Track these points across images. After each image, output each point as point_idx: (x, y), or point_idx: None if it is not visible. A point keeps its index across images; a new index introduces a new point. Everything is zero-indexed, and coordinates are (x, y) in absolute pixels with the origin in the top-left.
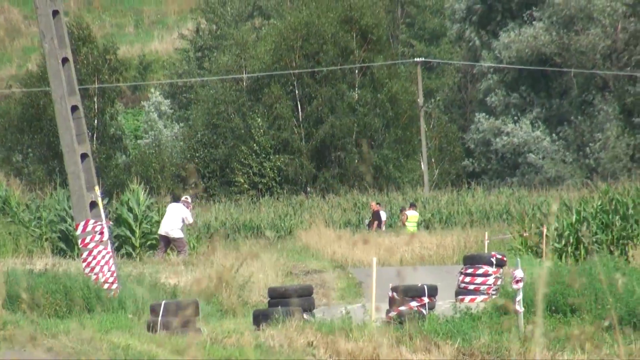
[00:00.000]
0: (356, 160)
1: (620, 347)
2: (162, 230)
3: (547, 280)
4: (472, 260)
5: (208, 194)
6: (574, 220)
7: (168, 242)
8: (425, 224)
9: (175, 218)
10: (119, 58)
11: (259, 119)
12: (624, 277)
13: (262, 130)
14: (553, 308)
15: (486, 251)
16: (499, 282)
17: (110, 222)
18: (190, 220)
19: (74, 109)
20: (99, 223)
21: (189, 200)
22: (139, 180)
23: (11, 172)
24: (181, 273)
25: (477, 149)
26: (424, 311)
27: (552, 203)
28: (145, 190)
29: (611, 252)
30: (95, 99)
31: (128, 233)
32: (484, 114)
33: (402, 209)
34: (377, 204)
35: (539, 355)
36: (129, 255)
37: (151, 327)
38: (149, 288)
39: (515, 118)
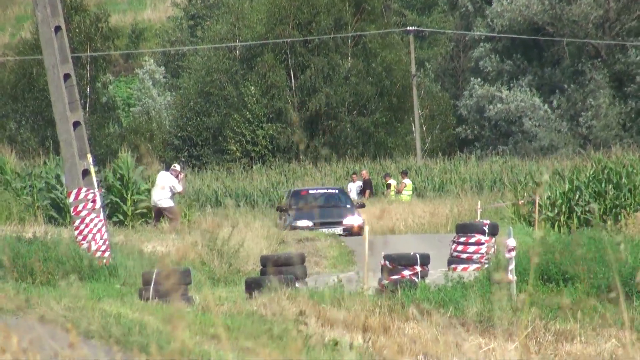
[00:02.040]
0: (348, 129)
1: (624, 315)
2: (152, 200)
3: (540, 250)
4: (464, 229)
5: (201, 162)
6: (566, 189)
7: (159, 211)
8: (418, 193)
9: (163, 187)
10: (111, 26)
11: (252, 88)
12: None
13: (255, 99)
14: (545, 277)
15: (479, 219)
16: (491, 251)
17: (103, 190)
18: (179, 189)
19: (67, 77)
20: (92, 191)
21: (178, 168)
22: (131, 149)
23: (5, 140)
24: (173, 241)
25: (470, 115)
26: (416, 280)
27: (544, 172)
28: (134, 158)
29: (604, 222)
30: (88, 67)
31: (119, 201)
32: (478, 79)
33: (387, 175)
34: (354, 174)
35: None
36: (120, 223)
37: (143, 295)
38: (141, 256)
39: (511, 84)
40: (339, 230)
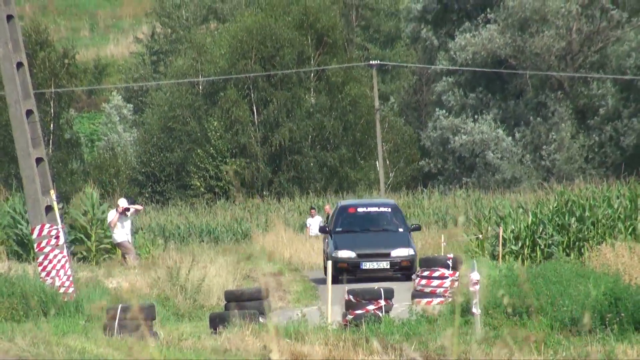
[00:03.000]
0: (312, 164)
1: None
2: None
3: (504, 283)
4: (428, 263)
5: (164, 197)
6: (530, 222)
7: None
8: None
9: (110, 224)
10: (77, 63)
11: (215, 123)
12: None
13: (218, 134)
14: (510, 310)
15: (443, 253)
16: (455, 285)
17: (65, 226)
18: (109, 219)
19: (29, 113)
20: (55, 227)
21: (121, 204)
22: (95, 185)
23: None
24: (137, 276)
25: (434, 147)
26: (380, 314)
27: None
28: (100, 194)
29: (567, 255)
30: (52, 104)
31: (83, 237)
32: (443, 111)
33: (311, 209)
34: (312, 209)
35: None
36: (84, 259)
37: (107, 331)
38: (105, 292)
39: (475, 117)
40: (385, 264)
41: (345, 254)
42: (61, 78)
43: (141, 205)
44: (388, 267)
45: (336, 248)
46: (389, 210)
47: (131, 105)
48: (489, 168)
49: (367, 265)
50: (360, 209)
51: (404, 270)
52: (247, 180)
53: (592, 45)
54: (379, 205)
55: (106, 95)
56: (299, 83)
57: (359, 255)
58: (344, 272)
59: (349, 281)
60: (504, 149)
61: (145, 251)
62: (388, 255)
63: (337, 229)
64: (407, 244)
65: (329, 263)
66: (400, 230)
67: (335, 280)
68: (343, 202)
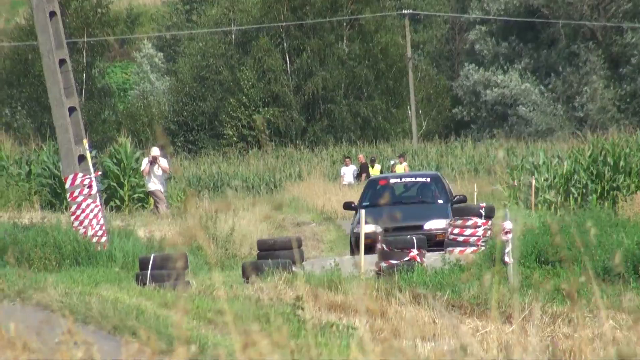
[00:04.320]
0: (345, 113)
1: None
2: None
3: (537, 232)
4: (460, 212)
5: (197, 146)
6: (564, 171)
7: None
8: None
9: (144, 172)
10: (110, 13)
11: (248, 72)
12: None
13: (251, 83)
14: (542, 259)
15: (475, 202)
16: (488, 234)
17: (99, 173)
18: (142, 167)
19: (62, 62)
20: (88, 176)
21: (153, 152)
22: (128, 134)
23: (1, 126)
24: (170, 226)
25: (466, 97)
26: (413, 263)
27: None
28: (132, 144)
29: (601, 204)
30: (84, 53)
31: (116, 186)
32: (473, 65)
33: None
34: (347, 157)
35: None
36: (117, 208)
37: (140, 280)
38: (138, 241)
39: (505, 68)
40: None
41: (368, 228)
42: (94, 27)
43: (167, 166)
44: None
45: (359, 222)
46: (428, 180)
47: (162, 54)
48: (522, 119)
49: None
50: (393, 181)
51: (440, 246)
52: (280, 129)
53: None
54: (416, 176)
55: (138, 44)
56: (332, 31)
57: (386, 230)
58: (368, 249)
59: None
60: (535, 102)
61: (177, 200)
62: (420, 227)
63: (364, 204)
64: (445, 215)
65: (362, 211)
66: (440, 202)
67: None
68: (375, 176)
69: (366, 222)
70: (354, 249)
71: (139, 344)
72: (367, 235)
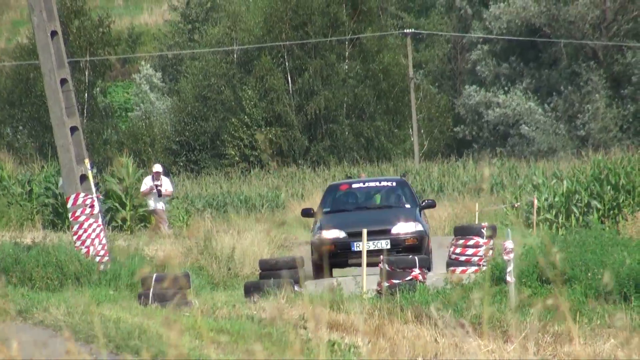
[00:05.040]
0: (347, 133)
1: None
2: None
3: (538, 251)
4: (463, 232)
5: (199, 166)
6: (564, 190)
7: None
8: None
9: (143, 192)
10: (112, 32)
11: (250, 91)
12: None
13: (253, 103)
14: (544, 278)
15: (477, 222)
16: (489, 253)
17: (101, 196)
18: (142, 188)
19: (63, 82)
20: (90, 196)
21: (155, 169)
22: (129, 154)
23: (2, 146)
24: (171, 245)
25: (468, 116)
26: (415, 282)
27: (538, 174)
28: (134, 163)
29: (603, 223)
30: (86, 73)
31: (118, 206)
32: (474, 86)
33: (404, 175)
34: (348, 177)
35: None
36: (119, 228)
37: (142, 300)
38: (140, 260)
39: (506, 88)
40: (384, 243)
41: (331, 234)
42: (96, 47)
43: (170, 189)
44: (388, 246)
45: (320, 228)
46: (393, 184)
47: (160, 74)
48: (524, 139)
49: (361, 246)
50: (355, 186)
51: (410, 251)
52: (283, 149)
53: (626, 14)
54: (380, 181)
55: (139, 64)
56: (333, 50)
57: (350, 235)
58: (331, 257)
59: (336, 266)
60: (537, 121)
61: (180, 220)
62: (388, 232)
63: (324, 210)
64: (414, 218)
65: (364, 231)
66: (407, 206)
67: (318, 270)
68: (334, 182)
69: (329, 228)
70: (315, 257)
71: None
72: (330, 242)
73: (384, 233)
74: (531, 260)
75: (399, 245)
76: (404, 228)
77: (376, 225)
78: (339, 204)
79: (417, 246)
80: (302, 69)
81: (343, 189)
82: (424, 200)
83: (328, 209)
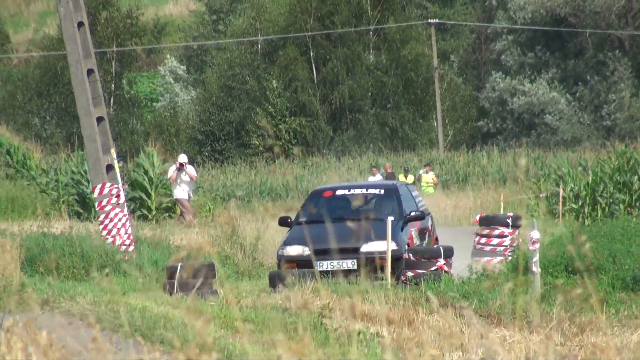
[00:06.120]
0: (372, 123)
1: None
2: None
3: (564, 241)
4: (488, 221)
5: (223, 156)
6: (590, 180)
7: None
8: (442, 185)
9: (170, 180)
10: (140, 24)
11: (274, 81)
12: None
13: (277, 93)
14: (570, 269)
15: (502, 212)
16: (515, 243)
17: (126, 185)
18: (169, 174)
19: (90, 72)
20: (115, 186)
21: (180, 159)
22: (155, 144)
23: (30, 136)
24: (197, 235)
25: (493, 108)
26: (440, 273)
27: (564, 164)
28: (164, 152)
29: (629, 213)
30: (113, 63)
31: (144, 196)
32: (500, 73)
33: (428, 165)
34: (373, 167)
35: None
36: (145, 218)
37: (167, 289)
38: (165, 250)
39: (532, 77)
40: (351, 263)
41: (294, 250)
42: (123, 38)
43: (194, 173)
44: (355, 267)
45: (285, 243)
46: (381, 193)
47: (184, 67)
48: (548, 128)
49: (325, 265)
50: (339, 192)
51: (380, 272)
52: (307, 139)
53: None
54: (367, 188)
55: (165, 54)
56: (358, 40)
57: (315, 252)
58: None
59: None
60: (561, 111)
61: (206, 210)
62: (356, 250)
63: (300, 220)
64: (391, 235)
65: (389, 220)
66: (391, 218)
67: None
68: (320, 187)
69: (294, 243)
70: (277, 277)
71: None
72: (292, 259)
73: (353, 251)
74: (558, 250)
75: (367, 266)
76: (375, 247)
77: (345, 242)
78: (316, 213)
79: (392, 267)
80: (326, 58)
81: (326, 195)
82: (411, 212)
83: (304, 219)
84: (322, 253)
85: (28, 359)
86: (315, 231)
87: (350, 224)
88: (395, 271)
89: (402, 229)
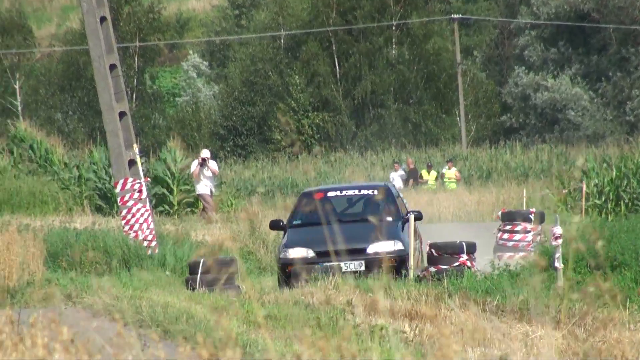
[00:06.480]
0: (394, 118)
1: None
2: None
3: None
4: (510, 217)
5: (246, 151)
6: (614, 176)
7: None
8: (464, 180)
9: (193, 175)
10: (162, 19)
11: (297, 77)
12: None
13: (299, 88)
14: (593, 264)
15: (525, 208)
16: (537, 239)
17: (149, 180)
18: (192, 169)
19: (112, 67)
20: (138, 181)
21: (203, 154)
22: (177, 139)
23: (53, 131)
24: (220, 230)
25: (515, 103)
26: (462, 268)
27: (588, 160)
28: (182, 149)
29: None
30: (136, 58)
31: (165, 191)
32: (523, 67)
33: (450, 160)
34: (396, 162)
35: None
36: (167, 213)
37: (189, 285)
38: (187, 245)
39: (555, 73)
40: (358, 264)
41: (297, 252)
42: (146, 33)
43: (216, 168)
44: (362, 268)
45: (286, 246)
46: (375, 193)
47: (207, 62)
48: (571, 124)
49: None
50: (331, 194)
51: (395, 273)
52: (330, 134)
53: None
54: (360, 189)
55: (187, 49)
56: (381, 35)
57: (318, 254)
58: (295, 277)
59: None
60: (583, 107)
61: (228, 205)
62: (362, 251)
63: (294, 222)
64: (394, 236)
65: (411, 215)
66: (389, 219)
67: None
68: (309, 188)
69: (296, 246)
70: (282, 278)
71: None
72: (295, 261)
73: (359, 252)
74: (581, 246)
75: (375, 267)
76: (381, 247)
77: (350, 243)
78: (311, 215)
79: (397, 267)
80: (349, 53)
81: (317, 197)
82: (409, 212)
83: (299, 221)
84: (326, 255)
85: (51, 355)
86: (315, 233)
87: (352, 225)
88: (401, 270)
89: (402, 229)
